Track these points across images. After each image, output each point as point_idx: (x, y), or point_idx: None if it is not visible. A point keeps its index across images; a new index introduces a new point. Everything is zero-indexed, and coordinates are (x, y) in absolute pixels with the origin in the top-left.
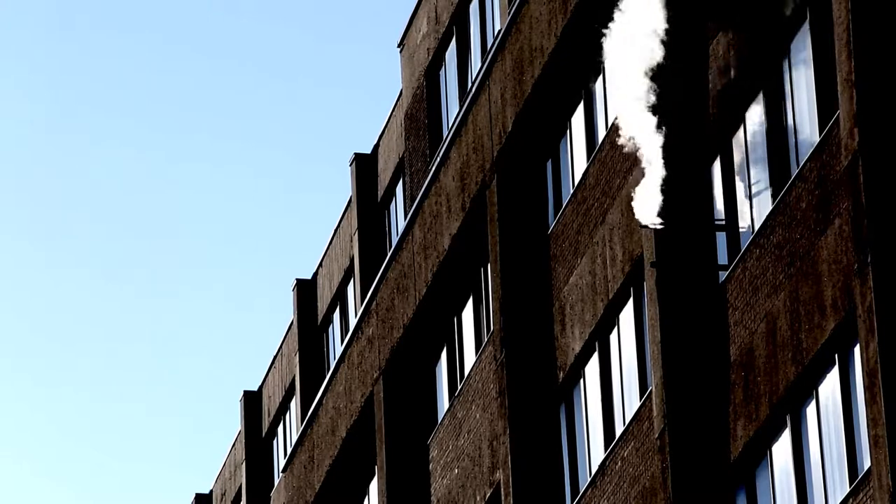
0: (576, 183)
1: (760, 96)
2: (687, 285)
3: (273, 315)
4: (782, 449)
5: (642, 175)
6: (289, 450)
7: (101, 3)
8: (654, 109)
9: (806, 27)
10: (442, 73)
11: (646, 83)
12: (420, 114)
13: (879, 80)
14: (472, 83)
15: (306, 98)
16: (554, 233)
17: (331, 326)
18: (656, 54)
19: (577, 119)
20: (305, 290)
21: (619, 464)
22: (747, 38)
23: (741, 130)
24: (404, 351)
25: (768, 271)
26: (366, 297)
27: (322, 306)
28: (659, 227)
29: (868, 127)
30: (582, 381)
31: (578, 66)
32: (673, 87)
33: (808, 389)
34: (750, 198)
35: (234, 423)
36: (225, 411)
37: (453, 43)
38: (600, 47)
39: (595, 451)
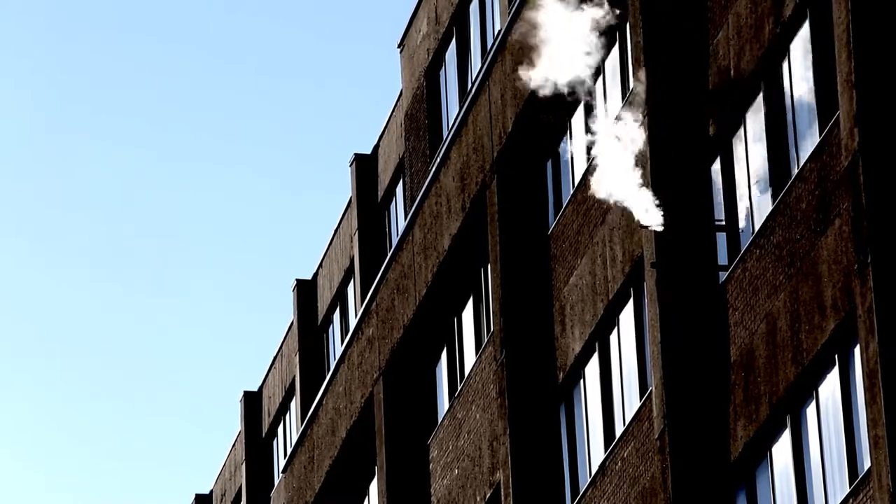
0: (576, 183)
1: (760, 96)
2: (687, 286)
3: (273, 315)
4: (782, 449)
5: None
6: (289, 450)
7: (101, 3)
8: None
9: (806, 27)
10: (442, 73)
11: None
12: (420, 114)
13: (879, 80)
14: (472, 83)
15: (306, 98)
16: (554, 233)
17: (331, 327)
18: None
19: (577, 119)
20: (305, 291)
21: (619, 464)
22: (747, 38)
23: (741, 130)
24: (404, 351)
25: (768, 272)
26: (366, 297)
27: (322, 307)
28: (658, 228)
29: (868, 127)
30: (582, 381)
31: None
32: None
33: (808, 390)
34: (750, 198)
35: (234, 424)
36: (225, 411)
37: (453, 43)
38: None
39: (595, 452)
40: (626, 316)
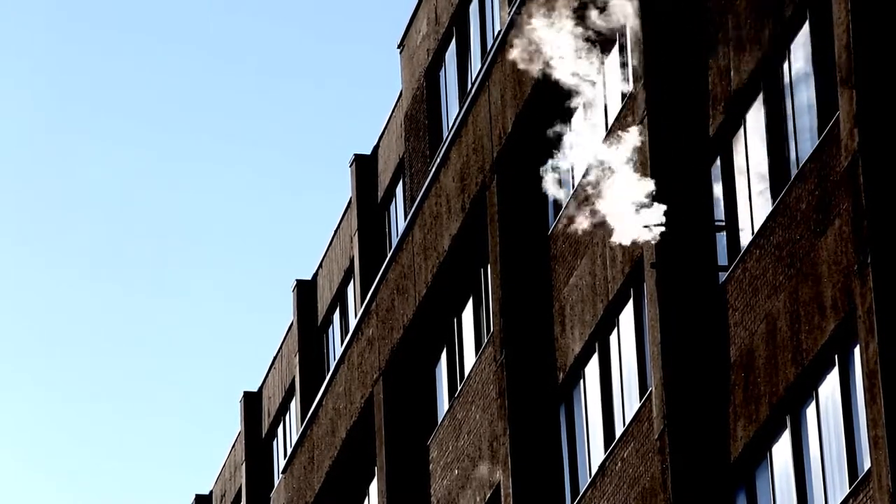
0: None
1: (760, 96)
2: (687, 286)
3: (273, 316)
4: (782, 450)
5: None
6: (289, 451)
7: (101, 3)
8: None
9: (806, 27)
10: (442, 73)
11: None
12: (420, 115)
13: (879, 80)
14: (472, 84)
15: (306, 98)
16: (554, 233)
17: (331, 327)
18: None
19: (577, 119)
20: (305, 291)
21: (619, 465)
22: (747, 38)
23: (741, 130)
24: (404, 352)
25: (768, 272)
26: (366, 297)
27: (322, 307)
28: (657, 228)
29: (868, 127)
30: (582, 381)
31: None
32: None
33: (808, 390)
34: (750, 198)
35: (233, 424)
36: (225, 412)
37: (453, 44)
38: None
39: (595, 452)
40: (626, 316)
